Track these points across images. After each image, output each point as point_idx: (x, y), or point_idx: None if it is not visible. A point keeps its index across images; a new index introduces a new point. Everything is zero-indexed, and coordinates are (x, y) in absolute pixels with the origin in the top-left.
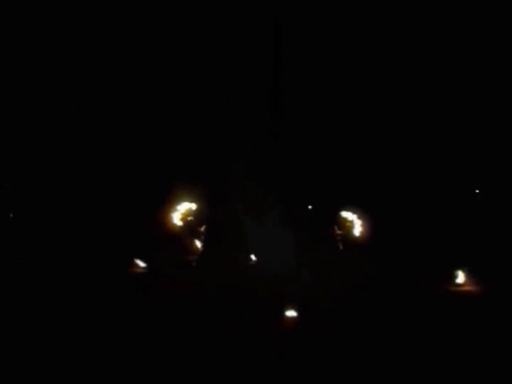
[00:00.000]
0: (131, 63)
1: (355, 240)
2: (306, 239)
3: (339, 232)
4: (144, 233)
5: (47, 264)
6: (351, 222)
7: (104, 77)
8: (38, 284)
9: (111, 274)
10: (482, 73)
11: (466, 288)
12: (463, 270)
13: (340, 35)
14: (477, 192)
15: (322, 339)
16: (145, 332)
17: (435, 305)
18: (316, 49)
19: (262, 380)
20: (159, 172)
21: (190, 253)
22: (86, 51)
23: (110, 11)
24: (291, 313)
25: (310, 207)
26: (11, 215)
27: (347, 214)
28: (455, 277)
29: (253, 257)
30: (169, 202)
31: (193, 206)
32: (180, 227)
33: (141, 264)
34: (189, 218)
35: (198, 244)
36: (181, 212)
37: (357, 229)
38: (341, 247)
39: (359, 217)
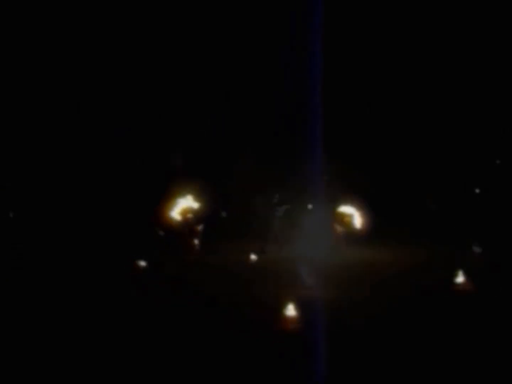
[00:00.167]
0: (131, 63)
1: (357, 232)
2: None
3: (340, 229)
4: (144, 230)
5: (48, 263)
6: (350, 216)
7: (104, 78)
8: (38, 284)
9: (112, 273)
10: (491, 76)
11: (466, 287)
12: (463, 270)
13: (350, 38)
14: (478, 191)
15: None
16: (146, 330)
17: (434, 305)
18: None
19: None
20: (159, 170)
21: (186, 249)
22: (87, 52)
23: (110, 12)
24: (290, 312)
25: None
26: (11, 215)
27: (344, 208)
28: (455, 276)
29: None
30: (169, 198)
31: (194, 204)
32: (179, 222)
33: (143, 263)
34: (188, 215)
35: (196, 242)
36: (181, 208)
37: (358, 221)
38: (344, 244)
39: (357, 209)
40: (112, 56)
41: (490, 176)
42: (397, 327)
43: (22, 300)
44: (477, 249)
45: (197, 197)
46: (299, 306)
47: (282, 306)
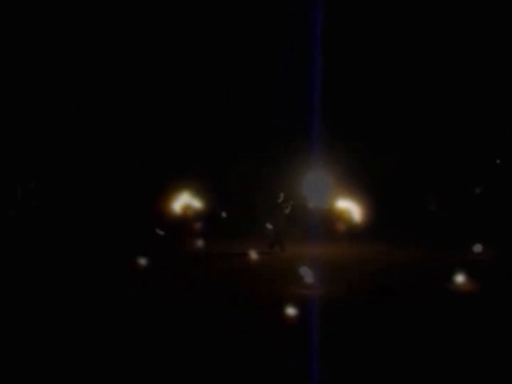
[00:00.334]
0: (131, 64)
1: (357, 226)
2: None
3: (341, 226)
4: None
5: (48, 261)
6: (348, 210)
7: (104, 78)
8: (38, 283)
9: (112, 271)
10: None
11: (467, 287)
12: (463, 270)
13: (348, 38)
14: (478, 190)
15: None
16: (145, 329)
17: (435, 305)
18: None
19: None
20: (158, 169)
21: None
22: (87, 52)
23: (111, 12)
24: (291, 311)
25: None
26: (11, 214)
27: (342, 204)
28: (455, 276)
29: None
30: (170, 194)
31: (195, 203)
32: (179, 217)
33: (143, 261)
34: (188, 212)
35: (197, 241)
36: (182, 203)
37: (357, 214)
38: (347, 239)
39: (355, 203)
40: (113, 57)
41: (490, 176)
42: (397, 327)
43: (22, 300)
44: (477, 249)
45: (197, 196)
46: (299, 305)
47: (282, 305)
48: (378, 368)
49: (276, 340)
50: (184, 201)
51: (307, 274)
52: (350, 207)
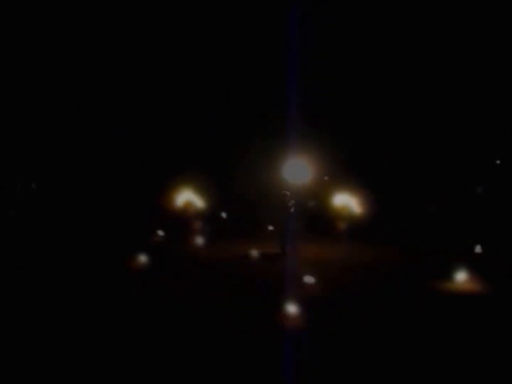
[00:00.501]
0: (131, 64)
1: (356, 218)
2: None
3: (341, 225)
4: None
5: (48, 260)
6: (346, 206)
7: (105, 78)
8: (38, 283)
9: (112, 270)
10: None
11: (467, 287)
12: (464, 270)
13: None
14: (478, 191)
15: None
16: (145, 328)
17: (435, 305)
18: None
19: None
20: (158, 168)
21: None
22: (88, 53)
23: (110, 12)
24: (292, 309)
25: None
26: (11, 214)
27: (339, 200)
28: (456, 276)
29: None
30: (171, 194)
31: (197, 201)
32: (180, 215)
33: (143, 260)
34: (189, 211)
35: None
36: (183, 202)
37: (355, 207)
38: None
39: (352, 196)
40: (113, 57)
41: (490, 176)
42: (397, 327)
43: (22, 300)
44: (477, 250)
45: (199, 195)
46: (300, 305)
47: (283, 305)
48: (378, 368)
49: (276, 340)
50: (185, 200)
51: (308, 275)
52: (348, 203)
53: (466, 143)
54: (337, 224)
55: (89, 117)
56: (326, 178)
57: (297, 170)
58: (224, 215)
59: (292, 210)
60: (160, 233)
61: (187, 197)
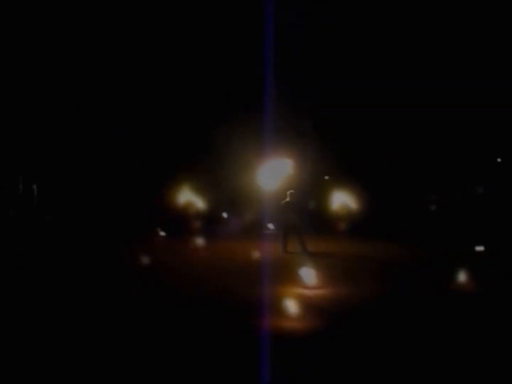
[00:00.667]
0: (131, 64)
1: (355, 214)
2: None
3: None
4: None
5: (49, 261)
6: (345, 204)
7: (104, 79)
8: (38, 283)
9: (112, 269)
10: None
11: (467, 287)
12: (464, 269)
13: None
14: (479, 189)
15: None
16: (144, 328)
17: (435, 305)
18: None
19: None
20: (158, 168)
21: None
22: (88, 53)
23: (110, 12)
24: (292, 310)
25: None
26: (11, 214)
27: (339, 199)
28: (456, 276)
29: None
30: (172, 193)
31: (197, 201)
32: (180, 214)
33: (144, 259)
34: (189, 209)
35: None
36: (184, 201)
37: (353, 203)
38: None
39: (352, 196)
40: (113, 57)
41: (491, 175)
42: (397, 327)
43: (21, 300)
44: (478, 249)
45: (199, 194)
46: (301, 304)
47: (283, 304)
48: (379, 369)
49: (276, 340)
50: (186, 199)
51: (308, 274)
52: (348, 202)
53: (466, 143)
54: (337, 223)
55: (89, 117)
56: (326, 177)
57: (272, 173)
58: (224, 215)
59: (295, 209)
60: (161, 233)
61: (188, 197)
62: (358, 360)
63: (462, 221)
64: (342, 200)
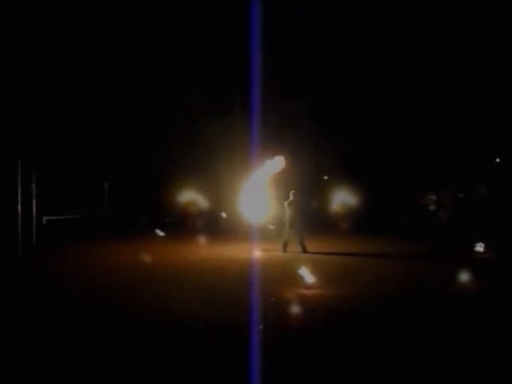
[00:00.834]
0: (131, 64)
1: (355, 213)
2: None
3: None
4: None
5: (49, 261)
6: (344, 204)
7: (104, 78)
8: (38, 283)
9: (112, 270)
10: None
11: (468, 287)
12: (465, 269)
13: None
14: (480, 189)
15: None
16: (143, 327)
17: (435, 304)
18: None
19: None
20: (159, 168)
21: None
22: (88, 54)
23: (110, 12)
24: (292, 310)
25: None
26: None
27: (338, 198)
28: (457, 274)
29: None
30: (172, 193)
31: (200, 201)
32: (182, 212)
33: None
34: (190, 208)
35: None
36: (186, 200)
37: (351, 201)
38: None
39: (351, 195)
40: (112, 57)
41: (491, 174)
42: (397, 327)
43: (21, 300)
44: (479, 248)
45: (201, 194)
46: (300, 304)
47: (283, 304)
48: (379, 369)
49: (276, 340)
50: (187, 199)
51: (307, 275)
52: (348, 201)
53: (466, 143)
54: (337, 222)
55: (89, 118)
56: (325, 178)
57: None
58: (224, 215)
59: (297, 209)
60: (160, 233)
61: (189, 197)
62: (357, 360)
63: (462, 221)
64: (342, 199)
